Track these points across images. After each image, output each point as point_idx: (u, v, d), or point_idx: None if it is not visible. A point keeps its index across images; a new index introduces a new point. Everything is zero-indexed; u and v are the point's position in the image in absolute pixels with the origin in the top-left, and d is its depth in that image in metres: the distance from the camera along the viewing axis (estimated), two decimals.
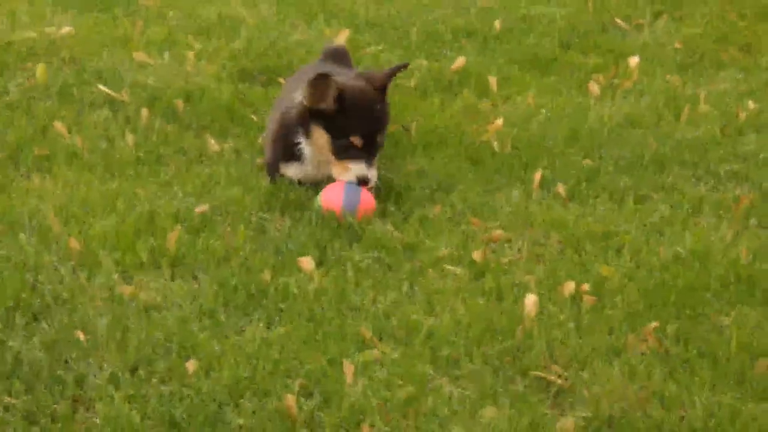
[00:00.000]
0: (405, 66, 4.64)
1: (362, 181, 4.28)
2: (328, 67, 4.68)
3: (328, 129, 4.32)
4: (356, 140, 4.29)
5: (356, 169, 4.29)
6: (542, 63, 6.01)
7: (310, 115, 4.33)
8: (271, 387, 3.30)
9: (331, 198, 4.23)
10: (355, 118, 4.29)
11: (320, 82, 4.26)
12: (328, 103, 4.30)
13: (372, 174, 4.32)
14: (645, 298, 3.86)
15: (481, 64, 5.90)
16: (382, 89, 4.41)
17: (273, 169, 4.48)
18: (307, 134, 4.37)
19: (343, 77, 4.45)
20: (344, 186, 4.26)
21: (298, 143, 4.39)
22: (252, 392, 3.29)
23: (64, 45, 5.63)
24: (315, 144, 4.36)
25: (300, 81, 4.55)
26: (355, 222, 4.21)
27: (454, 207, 4.43)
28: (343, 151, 4.30)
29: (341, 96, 4.28)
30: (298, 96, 4.37)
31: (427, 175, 4.68)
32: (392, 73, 4.47)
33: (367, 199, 4.27)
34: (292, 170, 4.44)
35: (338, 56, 4.96)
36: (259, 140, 4.80)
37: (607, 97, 5.62)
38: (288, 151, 4.42)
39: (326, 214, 4.19)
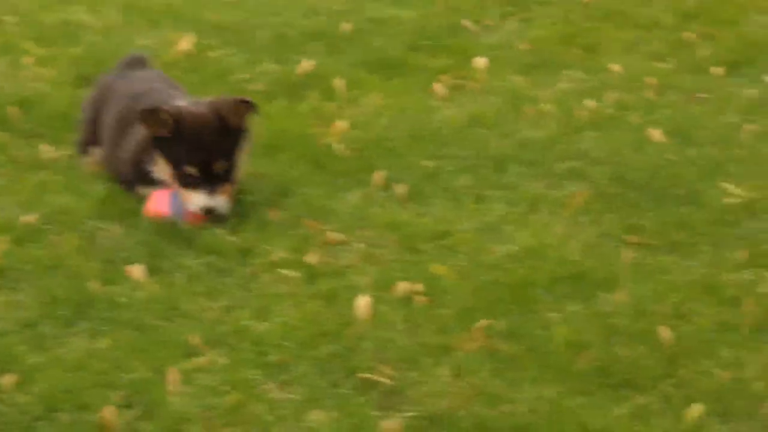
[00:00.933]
0: (251, 105, 4.41)
1: (206, 212, 4.22)
2: (163, 91, 4.58)
3: (168, 157, 4.27)
4: (191, 169, 4.24)
5: (197, 199, 4.23)
6: (389, 65, 6.03)
7: (153, 143, 4.29)
8: (90, 399, 3.25)
9: (158, 205, 4.18)
10: (188, 147, 4.24)
11: (151, 114, 4.23)
12: (163, 132, 4.25)
13: (217, 203, 4.25)
14: (477, 296, 3.90)
15: (328, 67, 5.90)
16: (223, 118, 4.31)
17: (130, 189, 4.42)
18: (155, 161, 4.33)
19: (179, 105, 4.37)
20: (172, 192, 4.22)
21: (151, 171, 4.34)
22: (70, 405, 3.23)
23: None
24: (161, 172, 4.31)
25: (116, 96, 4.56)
26: (189, 228, 4.17)
27: (292, 210, 4.42)
28: (183, 180, 4.25)
29: (176, 124, 4.24)
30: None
31: (267, 178, 4.67)
32: (236, 105, 4.35)
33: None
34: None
35: (138, 65, 4.85)
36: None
37: (452, 98, 5.67)
38: (143, 177, 4.37)
39: (155, 221, 4.15)
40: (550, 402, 3.38)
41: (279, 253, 4.09)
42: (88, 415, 3.19)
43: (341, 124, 5.16)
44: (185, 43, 5.85)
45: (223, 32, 6.25)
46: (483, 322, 3.73)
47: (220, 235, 4.17)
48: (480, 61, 6.05)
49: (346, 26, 6.44)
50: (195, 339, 3.57)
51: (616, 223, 4.45)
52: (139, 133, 4.36)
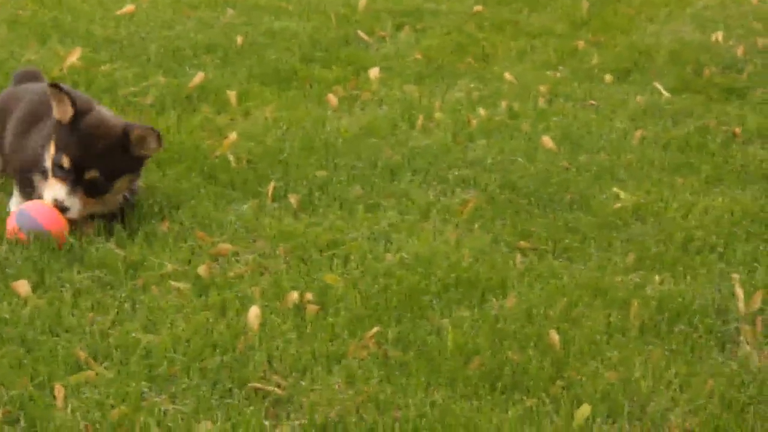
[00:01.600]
0: (159, 140, 4.30)
1: (55, 204, 4.18)
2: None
3: (56, 142, 4.24)
4: (65, 161, 4.20)
5: (54, 189, 4.21)
6: (283, 77, 6.03)
7: (53, 127, 4.28)
8: None
9: (9, 222, 4.14)
10: (75, 141, 4.21)
11: (58, 91, 4.23)
12: (65, 117, 4.24)
13: (70, 203, 4.20)
14: (368, 304, 3.90)
15: (221, 80, 5.88)
16: (124, 136, 4.26)
17: (26, 178, 4.39)
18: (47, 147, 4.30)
19: (92, 103, 4.40)
20: (14, 213, 4.19)
21: (45, 156, 4.32)
22: None
23: None
24: (48, 157, 4.27)
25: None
26: (77, 243, 4.11)
27: (183, 223, 4.38)
28: (55, 169, 4.23)
29: (77, 115, 4.23)
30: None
31: (158, 191, 4.62)
32: (146, 132, 4.27)
33: (47, 219, 4.15)
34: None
35: (32, 79, 4.83)
36: None
37: (345, 109, 5.68)
38: (38, 163, 4.34)
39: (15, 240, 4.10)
40: (440, 407, 3.39)
41: (169, 266, 4.05)
42: None
43: (233, 137, 5.14)
44: (73, 57, 5.77)
45: (113, 46, 6.19)
46: (374, 330, 3.73)
47: (108, 248, 4.12)
48: (373, 72, 6.07)
49: (239, 39, 6.41)
50: (81, 353, 3.51)
51: (507, 229, 4.49)
52: (44, 128, 4.36)
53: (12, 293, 3.79)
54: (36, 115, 4.50)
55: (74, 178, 4.21)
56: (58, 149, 4.24)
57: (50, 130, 4.31)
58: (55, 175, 4.23)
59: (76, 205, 4.21)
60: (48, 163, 4.27)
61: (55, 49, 6.00)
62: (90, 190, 4.24)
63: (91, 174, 4.22)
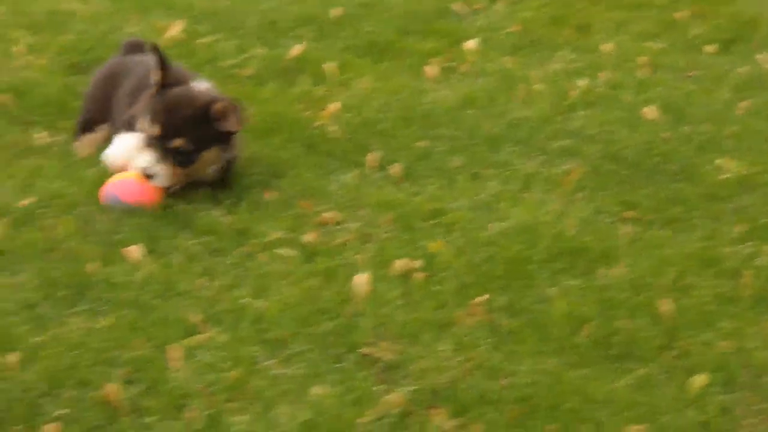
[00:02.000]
0: (239, 115, 4.37)
1: (145, 173, 4.22)
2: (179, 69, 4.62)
3: (148, 109, 4.32)
4: (154, 128, 4.25)
5: (143, 158, 4.24)
6: (380, 49, 6.02)
7: (150, 95, 4.36)
8: (92, 376, 3.24)
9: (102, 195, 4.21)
10: (163, 108, 4.28)
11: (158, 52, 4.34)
12: (155, 83, 4.32)
13: (155, 171, 4.23)
14: (474, 272, 3.90)
15: (318, 52, 5.89)
16: (203, 108, 4.29)
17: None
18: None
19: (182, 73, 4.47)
20: (104, 195, 4.22)
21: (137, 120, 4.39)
22: (73, 382, 3.22)
23: None
24: (141, 122, 4.33)
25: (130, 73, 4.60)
26: (186, 210, 4.16)
27: (286, 191, 4.42)
28: (146, 135, 4.29)
29: (163, 81, 4.31)
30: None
31: (260, 161, 4.65)
32: (227, 106, 4.30)
33: (135, 197, 4.19)
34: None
35: (138, 50, 4.86)
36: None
37: (443, 81, 5.67)
38: (131, 125, 4.41)
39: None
40: (551, 374, 3.38)
41: (275, 233, 4.09)
42: (91, 391, 3.19)
43: (333, 107, 5.16)
44: (175, 29, 5.83)
45: (213, 18, 6.23)
46: (482, 297, 3.73)
47: (216, 216, 4.16)
48: (470, 44, 6.05)
49: (335, 11, 6.42)
50: (194, 317, 3.56)
51: (610, 200, 4.46)
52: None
53: (125, 259, 3.85)
54: (144, 88, 4.55)
55: (162, 146, 4.24)
56: (148, 116, 4.29)
57: (146, 99, 4.38)
58: (145, 143, 4.27)
59: (163, 173, 4.23)
60: (141, 129, 4.32)
61: (156, 22, 6.06)
62: (177, 159, 4.26)
63: (177, 142, 4.24)
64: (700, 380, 3.34)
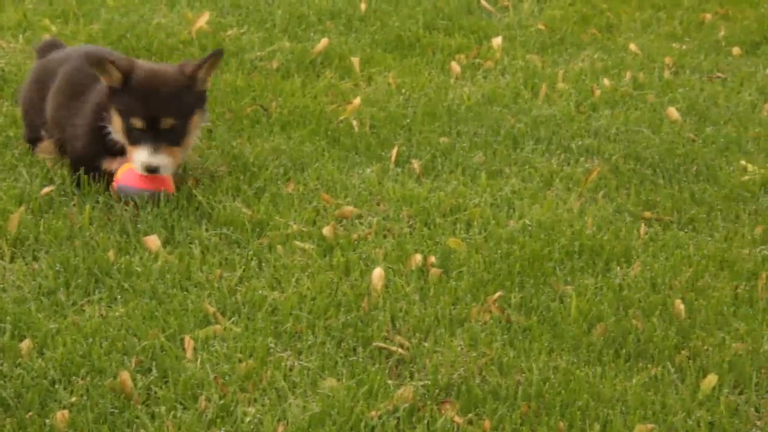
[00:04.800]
0: (219, 53, 4.26)
1: (148, 170, 4.10)
2: (107, 52, 4.49)
3: (118, 110, 4.14)
4: (137, 122, 4.11)
5: (140, 155, 4.11)
6: (405, 44, 6.04)
7: (108, 96, 4.17)
8: (106, 364, 3.27)
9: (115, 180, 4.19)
10: (136, 99, 4.11)
11: (99, 64, 4.11)
12: (115, 82, 4.13)
13: (159, 161, 4.11)
14: (490, 268, 3.91)
15: (344, 46, 5.91)
16: (191, 76, 4.19)
17: (93, 163, 4.26)
18: (111, 119, 4.19)
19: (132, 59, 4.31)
20: (116, 190, 4.17)
21: (109, 131, 4.21)
22: (86, 370, 3.25)
23: None
24: (115, 129, 4.18)
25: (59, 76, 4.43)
26: (205, 201, 4.19)
27: (307, 185, 4.44)
28: (131, 136, 4.13)
29: (126, 74, 4.12)
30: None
31: (282, 153, 4.68)
32: (204, 62, 4.20)
33: (148, 182, 4.15)
34: (116, 165, 4.25)
35: (55, 48, 4.69)
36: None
37: (467, 77, 5.67)
38: (103, 141, 4.23)
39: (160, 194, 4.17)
40: (564, 372, 3.39)
41: (294, 226, 4.11)
42: (105, 379, 3.21)
43: (357, 102, 5.17)
44: (201, 21, 5.86)
45: (240, 11, 6.27)
46: (497, 294, 3.74)
47: (235, 207, 4.19)
48: (496, 41, 6.05)
49: (362, 6, 6.44)
50: (210, 307, 3.59)
51: (631, 199, 4.46)
52: (93, 99, 4.26)
53: (143, 248, 3.88)
54: (80, 89, 4.34)
55: (153, 135, 4.11)
56: (124, 114, 4.13)
57: (102, 102, 4.19)
58: (132, 143, 4.14)
59: (166, 161, 4.13)
60: (118, 135, 4.18)
61: (184, 13, 6.09)
62: (172, 139, 4.14)
63: (168, 122, 4.11)
64: (711, 381, 3.34)
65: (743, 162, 4.76)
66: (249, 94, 5.20)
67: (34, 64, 4.67)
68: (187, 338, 3.41)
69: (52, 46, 4.72)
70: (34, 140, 4.51)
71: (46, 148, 4.47)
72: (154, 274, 3.73)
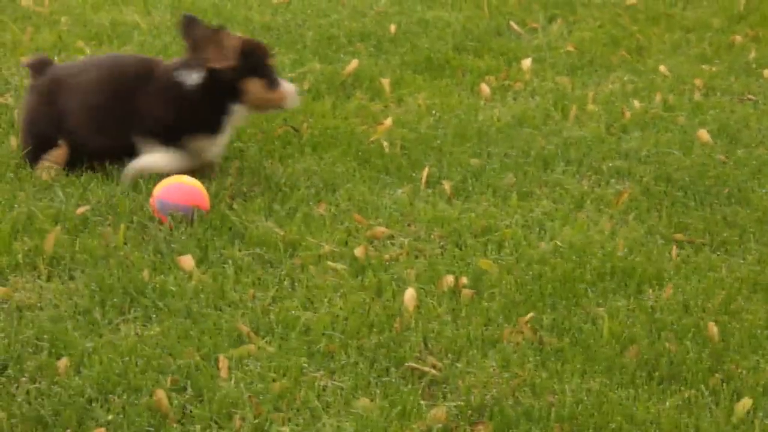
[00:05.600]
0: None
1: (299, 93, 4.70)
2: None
3: (261, 76, 4.62)
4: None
5: (288, 86, 4.69)
6: (435, 66, 6.06)
7: (239, 75, 4.56)
8: (142, 383, 3.29)
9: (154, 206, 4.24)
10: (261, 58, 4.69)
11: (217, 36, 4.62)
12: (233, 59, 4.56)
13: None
14: (522, 290, 3.92)
15: (374, 67, 5.94)
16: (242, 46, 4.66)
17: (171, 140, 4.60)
18: (237, 96, 4.60)
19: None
20: (156, 204, 4.24)
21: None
22: (123, 388, 3.28)
23: None
24: (252, 94, 4.58)
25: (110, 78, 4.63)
26: (238, 221, 4.21)
27: (339, 205, 4.46)
28: (273, 84, 4.66)
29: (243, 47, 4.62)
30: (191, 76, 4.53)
31: (314, 174, 4.70)
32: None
33: (187, 198, 4.23)
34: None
35: (47, 65, 4.73)
36: None
37: (498, 99, 5.69)
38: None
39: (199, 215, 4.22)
40: (597, 394, 3.39)
41: (326, 246, 4.13)
42: (141, 397, 3.24)
43: (388, 123, 5.20)
44: None
45: (271, 33, 6.31)
46: (528, 316, 3.75)
47: (268, 228, 4.21)
48: (526, 63, 6.07)
49: (392, 28, 6.47)
50: (243, 327, 3.61)
51: (662, 221, 4.46)
52: (161, 86, 4.56)
53: (178, 268, 3.91)
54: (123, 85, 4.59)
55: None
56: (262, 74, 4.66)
57: (172, 97, 4.53)
58: (275, 86, 4.64)
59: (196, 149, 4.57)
60: (253, 99, 4.60)
61: None
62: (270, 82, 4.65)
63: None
64: (745, 404, 3.33)
65: None
66: (280, 115, 5.23)
67: (35, 81, 4.67)
68: (221, 357, 3.43)
69: (44, 63, 4.75)
70: (37, 156, 4.53)
71: (58, 156, 4.53)
72: (188, 293, 3.76)
